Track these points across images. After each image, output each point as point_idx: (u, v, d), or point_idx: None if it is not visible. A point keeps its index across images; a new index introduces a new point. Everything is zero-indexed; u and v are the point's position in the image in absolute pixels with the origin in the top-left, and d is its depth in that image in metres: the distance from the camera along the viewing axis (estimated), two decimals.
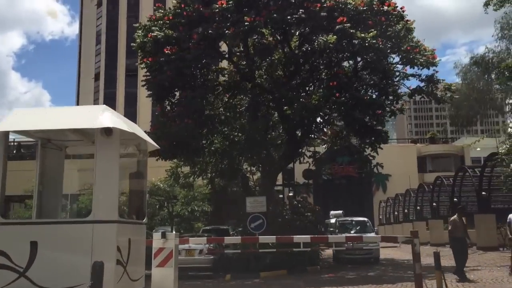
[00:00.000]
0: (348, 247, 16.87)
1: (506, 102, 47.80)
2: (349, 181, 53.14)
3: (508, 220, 13.81)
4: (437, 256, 8.38)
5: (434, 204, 30.78)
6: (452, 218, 13.27)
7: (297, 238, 10.42)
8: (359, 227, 21.28)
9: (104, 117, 6.11)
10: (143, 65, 17.81)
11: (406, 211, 39.29)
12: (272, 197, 20.26)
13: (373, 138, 18.84)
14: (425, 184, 34.14)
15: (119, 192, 6.27)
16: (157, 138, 17.17)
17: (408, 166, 54.91)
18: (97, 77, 74.84)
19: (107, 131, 6.00)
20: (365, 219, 23.05)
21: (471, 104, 47.34)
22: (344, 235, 17.22)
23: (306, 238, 10.71)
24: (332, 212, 34.75)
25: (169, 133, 16.89)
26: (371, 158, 22.71)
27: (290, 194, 29.68)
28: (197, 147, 19.90)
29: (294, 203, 19.76)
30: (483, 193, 22.64)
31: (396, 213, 42.95)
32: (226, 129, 21.97)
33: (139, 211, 7.26)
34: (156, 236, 8.51)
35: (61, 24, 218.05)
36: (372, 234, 20.02)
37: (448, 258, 14.55)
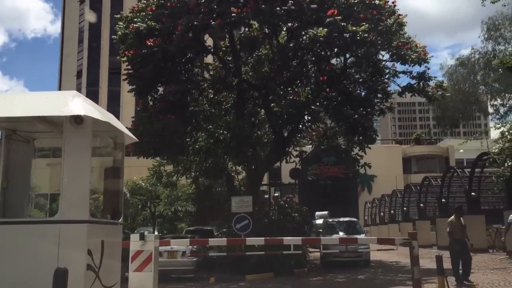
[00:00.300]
0: (341, 250, 16.26)
1: (491, 104, 47.92)
2: (334, 182, 52.80)
3: (509, 221, 13.28)
4: (439, 259, 7.80)
5: (421, 205, 30.41)
6: (449, 219, 12.74)
7: (287, 240, 9.72)
8: (348, 228, 20.59)
9: (74, 104, 5.40)
10: (124, 58, 17.00)
11: (392, 212, 38.94)
12: (258, 197, 19.63)
13: (361, 138, 18.29)
14: (412, 184, 33.79)
15: (91, 188, 5.60)
16: (139, 134, 16.40)
17: (393, 167, 54.79)
18: (79, 75, 73.52)
19: (77, 120, 5.31)
20: (354, 219, 22.42)
21: (457, 105, 47.35)
22: (336, 236, 16.61)
23: (296, 240, 10.04)
24: (317, 213, 34.21)
25: (151, 129, 16.10)
26: (359, 157, 22.43)
27: (276, 194, 29.04)
28: (181, 145, 19.19)
29: (281, 203, 19.12)
30: (473, 193, 22.25)
31: (382, 214, 42.61)
32: (211, 126, 21.30)
33: (114, 210, 6.55)
34: (134, 237, 7.79)
35: (44, 22, 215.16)
36: (363, 236, 19.44)
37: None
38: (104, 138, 6.50)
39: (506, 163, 17.39)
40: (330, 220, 22.68)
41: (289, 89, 17.25)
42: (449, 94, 23.51)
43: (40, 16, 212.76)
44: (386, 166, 51.95)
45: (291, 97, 16.12)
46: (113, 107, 65.48)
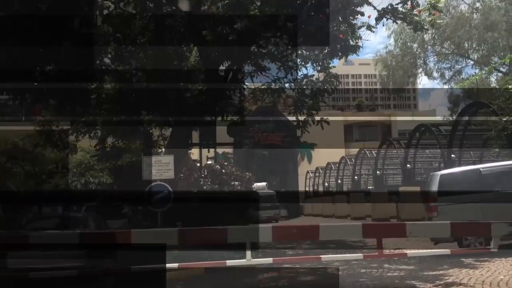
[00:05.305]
0: None
1: (438, 67, 44.86)
2: (271, 151, 48.40)
3: None
4: None
5: (377, 172, 26.16)
6: None
7: None
8: None
9: None
10: None
11: (339, 181, 34.81)
12: (183, 160, 14.22)
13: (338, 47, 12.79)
14: (367, 149, 29.51)
15: None
16: None
17: (334, 135, 50.76)
18: None
19: None
20: None
21: (405, 67, 43.83)
22: None
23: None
24: (255, 184, 29.71)
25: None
26: (314, 112, 18.28)
27: (209, 162, 23.79)
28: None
29: (216, 168, 13.87)
30: (452, 155, 18.00)
31: (326, 184, 38.42)
32: (121, 66, 15.62)
33: None
34: None
35: None
36: None
37: None
38: None
39: None
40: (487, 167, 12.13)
41: None
42: (441, 21, 18.83)
43: None
44: (327, 133, 47.74)
45: None
46: None
